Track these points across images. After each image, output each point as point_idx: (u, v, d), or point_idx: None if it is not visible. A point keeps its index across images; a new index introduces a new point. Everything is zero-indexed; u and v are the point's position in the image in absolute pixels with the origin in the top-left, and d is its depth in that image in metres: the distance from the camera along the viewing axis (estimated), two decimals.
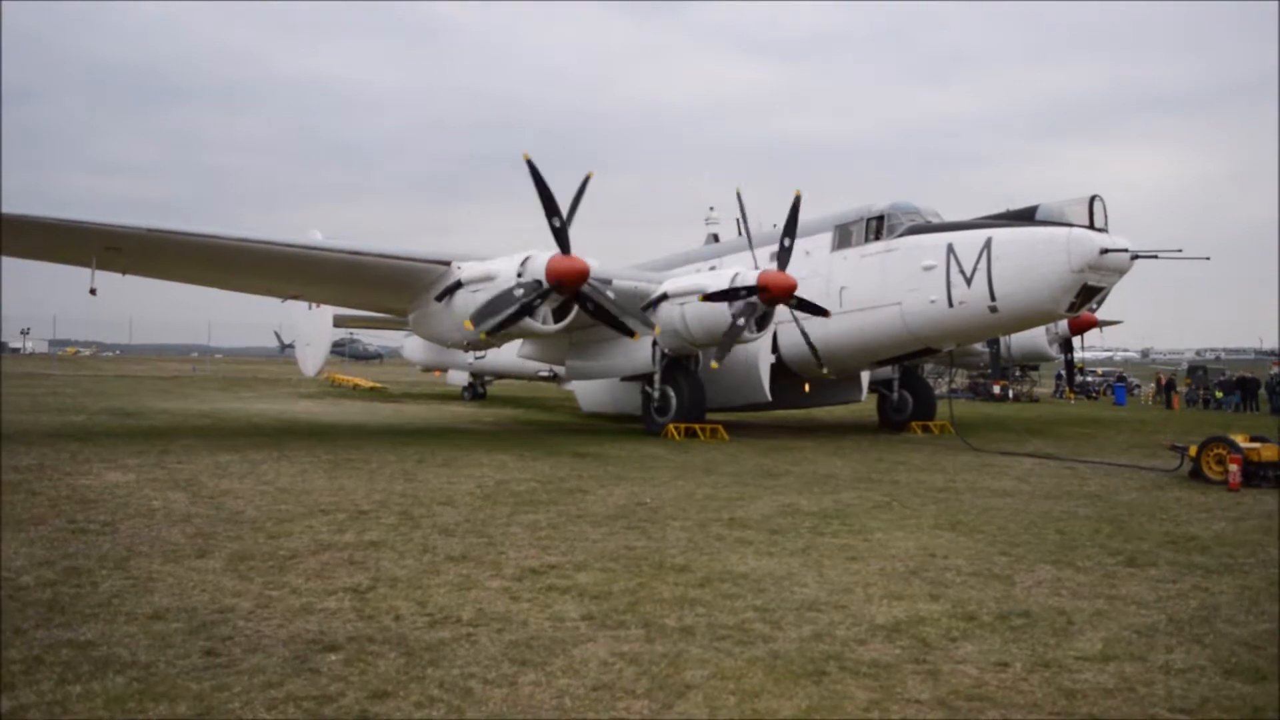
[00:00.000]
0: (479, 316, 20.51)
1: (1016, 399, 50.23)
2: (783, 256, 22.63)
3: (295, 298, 27.61)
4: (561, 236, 20.64)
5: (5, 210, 18.30)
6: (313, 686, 5.83)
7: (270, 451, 17.92)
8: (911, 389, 28.49)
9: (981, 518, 12.41)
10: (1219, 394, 49.08)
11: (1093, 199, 21.24)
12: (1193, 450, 16.94)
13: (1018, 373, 50.10)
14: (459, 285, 21.26)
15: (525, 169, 20.28)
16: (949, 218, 24.23)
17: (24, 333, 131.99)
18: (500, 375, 39.59)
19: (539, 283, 20.35)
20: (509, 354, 29.87)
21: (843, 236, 24.68)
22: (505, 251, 21.34)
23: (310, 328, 38.53)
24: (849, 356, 24.76)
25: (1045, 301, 21.59)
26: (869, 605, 7.93)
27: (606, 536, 10.64)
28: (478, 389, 42.25)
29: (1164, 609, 7.99)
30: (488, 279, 20.83)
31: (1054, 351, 38.16)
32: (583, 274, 20.61)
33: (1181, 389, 52.96)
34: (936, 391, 32.66)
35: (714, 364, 22.63)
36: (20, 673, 5.92)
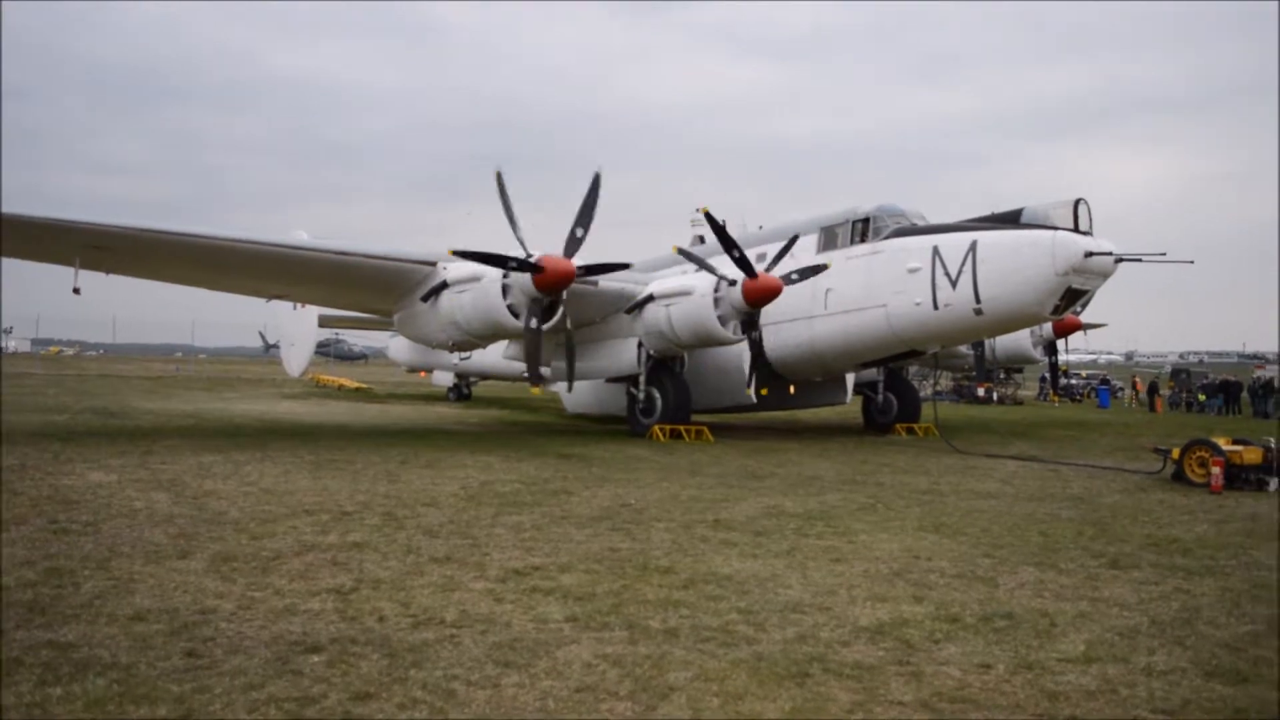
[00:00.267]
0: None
1: (1001, 401, 50.39)
2: (744, 265, 22.45)
3: (280, 297, 27.54)
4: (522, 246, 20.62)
5: None
6: (295, 688, 5.80)
7: (254, 452, 17.85)
8: (896, 391, 28.56)
9: (965, 520, 12.44)
10: (1202, 397, 49.30)
11: (1077, 202, 21.33)
12: (1175, 453, 17.03)
13: (1002, 375, 50.26)
14: (445, 286, 21.24)
15: (508, 173, 20.29)
16: (942, 219, 24.29)
17: (7, 332, 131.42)
18: (485, 376, 39.55)
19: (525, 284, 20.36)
20: (494, 355, 29.83)
21: (829, 238, 24.71)
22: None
23: (295, 328, 38.42)
24: (834, 358, 24.81)
25: (1030, 304, 21.66)
26: (853, 607, 7.93)
27: (591, 538, 10.63)
28: (463, 390, 42.20)
29: (1146, 611, 8.02)
30: (473, 280, 20.81)
31: (1038, 354, 38.31)
32: (569, 276, 20.61)
33: (1165, 392, 53.19)
34: (921, 394, 32.74)
35: (748, 390, 22.61)
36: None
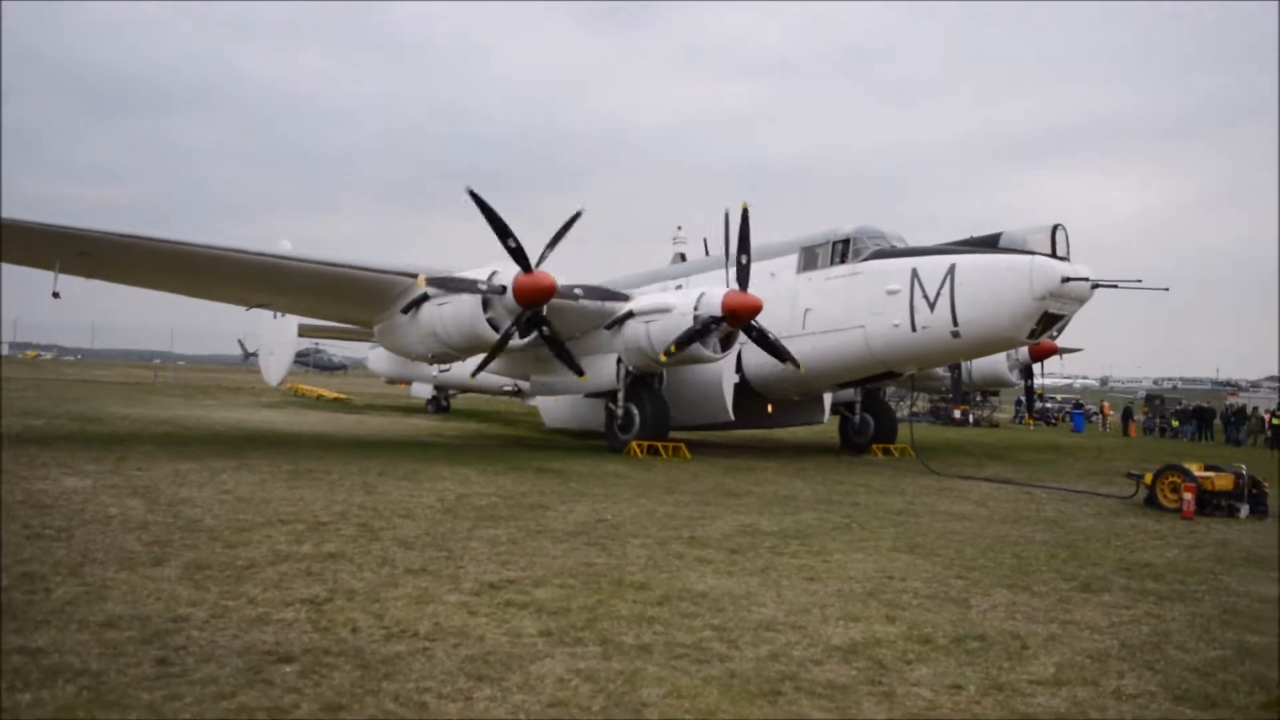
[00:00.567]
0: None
1: (977, 424, 50.60)
2: (741, 276, 22.51)
3: (260, 306, 27.42)
4: (519, 255, 20.68)
5: None
6: (266, 698, 5.77)
7: (230, 460, 17.75)
8: (873, 412, 28.63)
9: (939, 541, 12.47)
10: (1175, 423, 49.67)
11: (1055, 228, 21.49)
12: (1148, 478, 17.12)
13: (978, 398, 50.47)
14: (425, 298, 21.22)
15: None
16: (916, 243, 24.43)
17: None
18: (464, 389, 39.47)
19: (510, 301, 20.41)
20: (473, 368, 29.81)
21: (809, 259, 24.80)
22: (472, 265, 21.34)
23: (274, 337, 38.29)
24: (812, 378, 24.86)
25: (1007, 328, 21.78)
26: (826, 626, 7.94)
27: (566, 553, 10.61)
28: (441, 402, 42.12)
29: (1117, 634, 8.05)
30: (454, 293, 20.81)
31: (1014, 377, 38.49)
32: (549, 290, 20.63)
33: (1139, 417, 53.52)
34: (898, 415, 32.83)
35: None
36: None
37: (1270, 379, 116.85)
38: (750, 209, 22.11)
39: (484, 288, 20.50)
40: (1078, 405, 61.06)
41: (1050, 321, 21.91)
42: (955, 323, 21.96)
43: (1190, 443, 44.76)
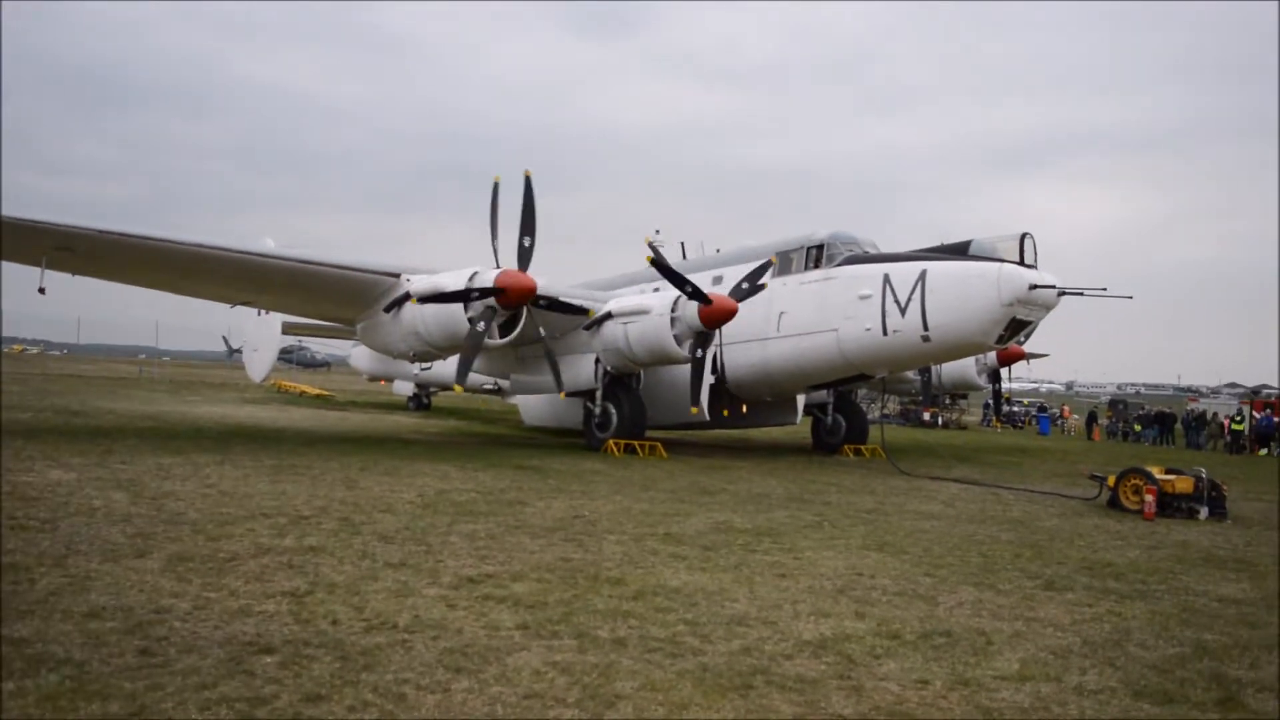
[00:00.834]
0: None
1: (946, 426, 50.84)
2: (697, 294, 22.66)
3: (245, 304, 27.27)
4: (526, 255, 20.71)
5: None
6: (247, 688, 5.74)
7: (214, 455, 17.65)
8: (845, 413, 28.71)
9: (908, 539, 12.51)
10: (1138, 427, 49.99)
11: (1023, 236, 21.61)
12: (1111, 480, 17.23)
13: (947, 401, 50.66)
14: (408, 297, 21.16)
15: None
16: (890, 248, 24.52)
17: None
18: (445, 387, 39.35)
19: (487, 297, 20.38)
20: (454, 366, 29.73)
21: (784, 264, 24.85)
22: (456, 265, 21.30)
23: (258, 334, 38.09)
24: (786, 379, 24.93)
25: (975, 333, 21.88)
26: (797, 622, 7.96)
27: (544, 548, 10.60)
28: (423, 400, 41.99)
29: (1079, 632, 8.10)
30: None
31: (982, 381, 38.62)
32: (529, 290, 20.62)
33: (1103, 421, 53.85)
34: (869, 416, 32.92)
35: (693, 409, 22.70)
36: None
37: (1229, 386, 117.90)
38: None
39: (475, 296, 20.45)
40: (1043, 409, 61.40)
41: (1018, 327, 22.03)
42: (926, 327, 22.05)
43: (1152, 447, 45.07)
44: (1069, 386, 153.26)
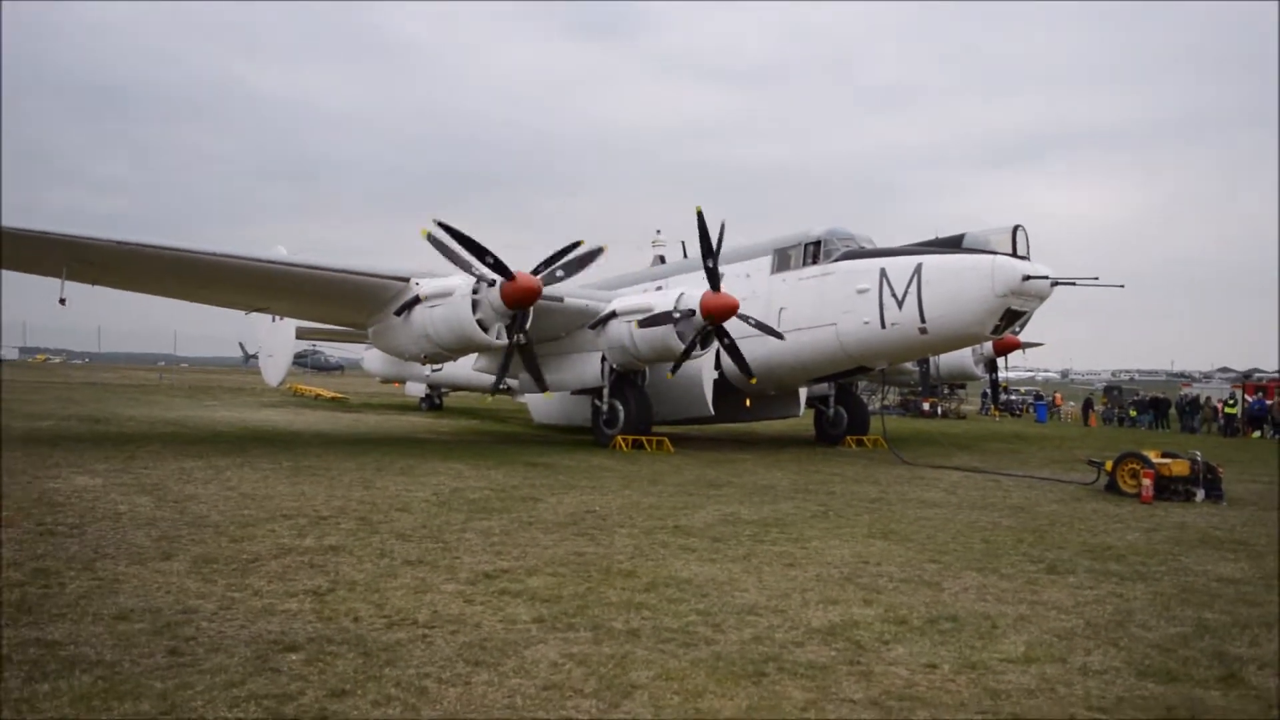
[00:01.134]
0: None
1: (945, 415, 50.74)
2: (714, 279, 22.54)
3: (259, 310, 27.29)
4: (501, 268, 20.58)
5: None
6: (273, 685, 5.76)
7: (234, 458, 17.69)
8: (846, 405, 28.69)
9: (912, 527, 12.51)
10: (1133, 413, 49.88)
11: (1016, 229, 21.58)
12: (1109, 465, 17.21)
13: (946, 391, 50.61)
14: (417, 301, 21.16)
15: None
16: (888, 243, 24.50)
17: None
18: (456, 387, 39.39)
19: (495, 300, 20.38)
20: (465, 367, 29.70)
21: (782, 260, 24.84)
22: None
23: (273, 339, 38.12)
24: (787, 374, 24.93)
25: (971, 324, 21.86)
26: (806, 610, 7.96)
27: (557, 543, 10.61)
28: (435, 400, 42.03)
29: (1082, 614, 8.10)
30: (444, 295, 20.77)
31: (980, 371, 38.55)
32: (535, 293, 20.62)
33: (1099, 408, 53.76)
34: (870, 408, 32.90)
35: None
36: None
37: (1221, 370, 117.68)
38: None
39: (475, 294, 20.45)
40: (1039, 397, 61.31)
41: (1013, 317, 22.00)
42: (923, 319, 22.04)
43: (1148, 431, 44.98)
44: (1065, 374, 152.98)
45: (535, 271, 21.01)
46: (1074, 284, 22.46)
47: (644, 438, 23.47)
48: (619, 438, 23.36)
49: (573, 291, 23.93)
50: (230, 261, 21.01)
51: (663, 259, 31.04)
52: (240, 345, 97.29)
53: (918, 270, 22.17)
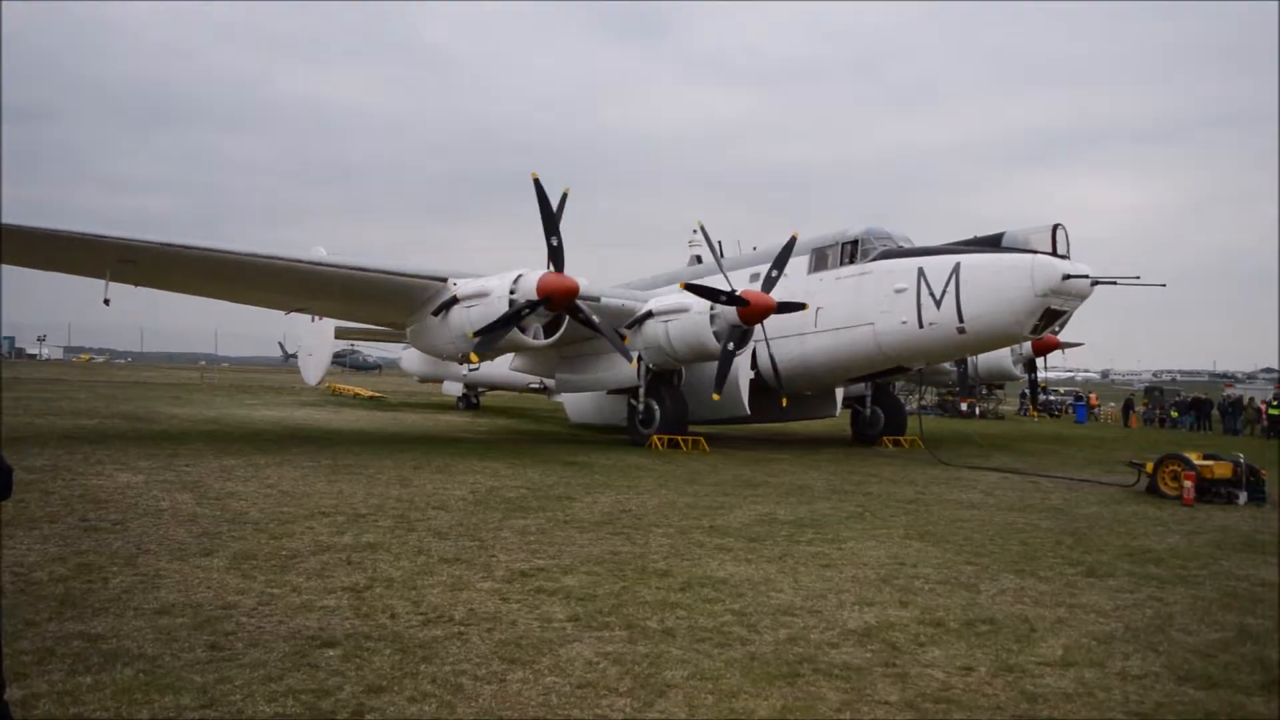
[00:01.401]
0: (476, 330, 20.61)
1: (983, 416, 50.36)
2: (767, 285, 22.72)
3: (299, 310, 27.55)
4: (557, 255, 20.73)
5: (28, 224, 18.37)
6: (311, 680, 5.81)
7: (273, 456, 17.85)
8: (883, 405, 28.55)
9: (949, 529, 12.43)
10: (1175, 414, 49.28)
11: (1056, 227, 21.38)
12: (1149, 467, 17.01)
13: (984, 391, 50.19)
14: (455, 301, 21.25)
15: (527, 189, 20.34)
16: (921, 242, 24.35)
17: (40, 339, 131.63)
18: (493, 387, 39.54)
19: (531, 299, 20.42)
20: (501, 367, 29.82)
21: (819, 260, 24.75)
22: (499, 269, 21.38)
23: (313, 339, 38.46)
24: (824, 373, 24.84)
25: (1010, 324, 21.68)
26: (841, 610, 7.93)
27: (593, 542, 10.63)
28: (471, 400, 42.18)
29: (1121, 618, 8.01)
30: (481, 295, 20.85)
31: (1018, 371, 38.24)
32: (572, 291, 20.64)
33: (1139, 409, 53.16)
34: (907, 408, 32.69)
35: (715, 395, 22.64)
36: (33, 663, 5.89)
37: (1265, 370, 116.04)
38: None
39: (511, 294, 20.49)
40: (1079, 397, 60.67)
41: (1052, 317, 21.80)
42: (961, 319, 21.89)
43: (1189, 433, 44.42)
44: (1105, 375, 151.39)
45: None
46: (1115, 283, 22.20)
47: (680, 437, 23.46)
48: (655, 437, 23.38)
49: (609, 291, 23.97)
50: (271, 262, 21.23)
51: (699, 259, 31.00)
52: (280, 345, 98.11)
53: (956, 269, 22.02)
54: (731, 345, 22.41)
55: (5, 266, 21.91)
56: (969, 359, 33.26)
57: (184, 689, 5.58)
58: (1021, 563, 10.26)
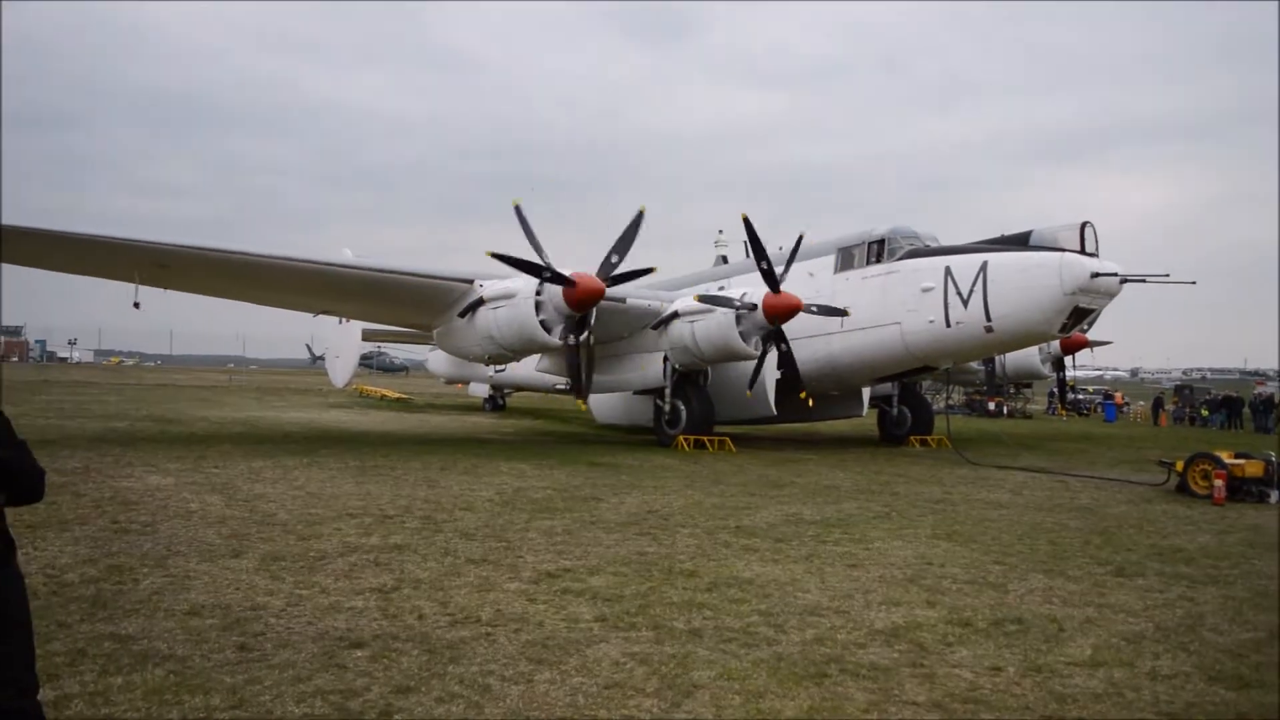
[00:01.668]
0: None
1: (1011, 415, 50.02)
2: (771, 280, 22.56)
3: (326, 312, 27.71)
4: (559, 277, 20.70)
5: (60, 229, 18.58)
6: (340, 681, 5.84)
7: (301, 458, 17.96)
8: (910, 405, 28.44)
9: (977, 528, 12.36)
10: (1205, 412, 48.83)
11: (1084, 225, 21.24)
12: (1179, 465, 16.86)
13: (1012, 390, 49.87)
14: (481, 302, 21.30)
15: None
16: (946, 241, 24.24)
17: (71, 343, 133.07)
18: (519, 388, 39.57)
19: (558, 301, 20.46)
20: (527, 368, 29.88)
21: (845, 259, 24.68)
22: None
23: (340, 341, 38.62)
24: (851, 373, 24.76)
25: (1038, 323, 21.55)
26: (869, 611, 7.91)
27: (619, 542, 10.63)
28: (498, 401, 42.28)
29: (1151, 617, 7.95)
30: (508, 297, 20.89)
31: (1046, 370, 38.01)
32: (598, 293, 20.66)
33: (1169, 407, 52.71)
34: (934, 407, 32.55)
35: (748, 393, 22.64)
36: (65, 664, 5.95)
37: None
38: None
39: (538, 295, 20.54)
40: (1108, 396, 60.19)
41: (1081, 315, 21.66)
42: (988, 318, 21.77)
43: (1220, 431, 44.00)
44: (1134, 373, 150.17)
45: (597, 272, 21.06)
46: (1144, 281, 22.03)
47: (706, 438, 23.44)
48: (681, 438, 23.35)
49: (635, 293, 23.97)
50: (299, 265, 21.35)
51: (725, 259, 30.97)
52: (307, 347, 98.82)
53: (983, 268, 21.91)
54: (757, 346, 22.37)
55: (36, 270, 22.18)
56: (997, 358, 33.10)
57: (213, 689, 5.62)
58: (1050, 562, 10.20)
